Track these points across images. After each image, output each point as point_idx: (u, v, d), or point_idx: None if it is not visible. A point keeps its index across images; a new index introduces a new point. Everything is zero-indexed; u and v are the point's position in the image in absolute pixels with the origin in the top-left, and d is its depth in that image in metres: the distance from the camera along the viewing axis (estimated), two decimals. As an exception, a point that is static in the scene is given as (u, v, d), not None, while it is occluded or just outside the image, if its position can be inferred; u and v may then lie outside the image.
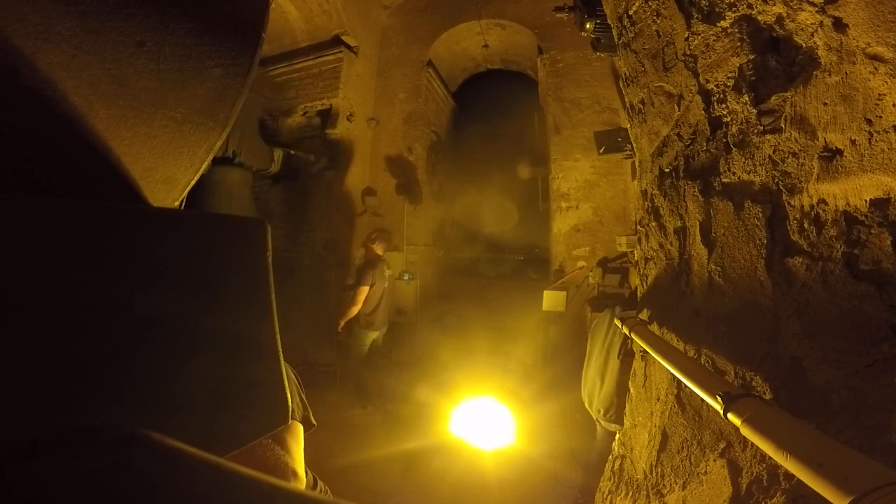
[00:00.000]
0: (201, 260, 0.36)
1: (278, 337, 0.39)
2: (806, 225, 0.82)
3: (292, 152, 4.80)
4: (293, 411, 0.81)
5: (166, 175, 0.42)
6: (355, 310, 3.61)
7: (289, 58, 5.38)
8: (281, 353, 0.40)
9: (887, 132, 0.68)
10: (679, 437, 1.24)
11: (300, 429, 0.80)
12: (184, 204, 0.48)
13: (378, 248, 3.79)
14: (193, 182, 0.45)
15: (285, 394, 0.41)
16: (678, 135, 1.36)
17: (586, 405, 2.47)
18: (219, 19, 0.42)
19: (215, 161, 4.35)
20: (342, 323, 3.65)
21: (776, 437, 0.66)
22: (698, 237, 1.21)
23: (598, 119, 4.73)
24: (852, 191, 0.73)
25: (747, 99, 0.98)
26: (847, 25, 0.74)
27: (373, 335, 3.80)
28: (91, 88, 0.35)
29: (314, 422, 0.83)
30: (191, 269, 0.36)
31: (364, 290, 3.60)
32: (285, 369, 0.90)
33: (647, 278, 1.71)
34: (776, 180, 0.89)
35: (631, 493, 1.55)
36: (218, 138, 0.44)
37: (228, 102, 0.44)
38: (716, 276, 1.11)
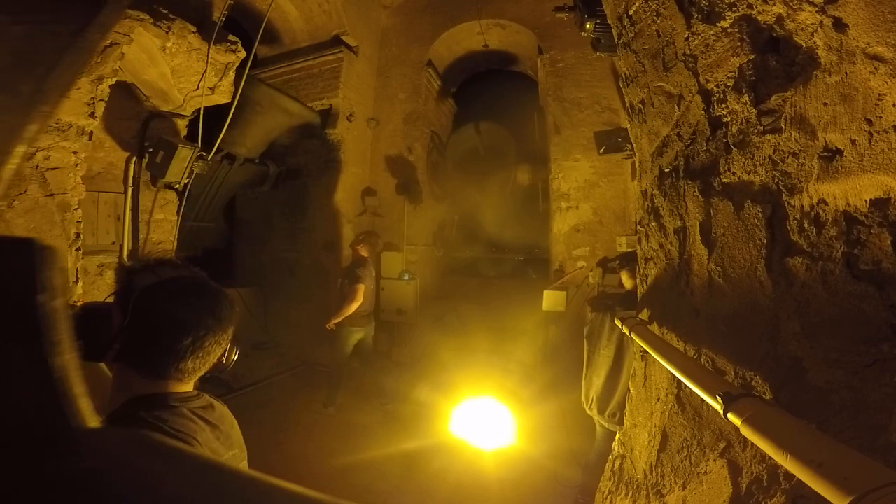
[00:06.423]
0: None
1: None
2: (806, 225, 0.82)
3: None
4: None
5: None
6: (354, 307, 3.64)
7: (289, 58, 5.39)
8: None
9: (887, 132, 0.68)
10: (679, 437, 1.24)
11: None
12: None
13: (363, 251, 3.83)
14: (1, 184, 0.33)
15: None
16: (678, 135, 1.36)
17: (589, 409, 2.46)
18: None
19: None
20: (334, 320, 3.67)
21: (776, 437, 0.66)
22: (698, 237, 1.21)
23: (598, 119, 4.73)
24: (852, 191, 0.73)
25: (747, 99, 0.98)
26: (847, 25, 0.73)
27: (358, 334, 3.82)
28: None
29: None
30: None
31: (361, 288, 3.64)
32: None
33: (647, 278, 1.71)
34: (776, 180, 0.89)
35: (631, 493, 1.55)
36: (27, 118, 0.32)
37: (39, 70, 0.32)
38: (716, 276, 1.11)
